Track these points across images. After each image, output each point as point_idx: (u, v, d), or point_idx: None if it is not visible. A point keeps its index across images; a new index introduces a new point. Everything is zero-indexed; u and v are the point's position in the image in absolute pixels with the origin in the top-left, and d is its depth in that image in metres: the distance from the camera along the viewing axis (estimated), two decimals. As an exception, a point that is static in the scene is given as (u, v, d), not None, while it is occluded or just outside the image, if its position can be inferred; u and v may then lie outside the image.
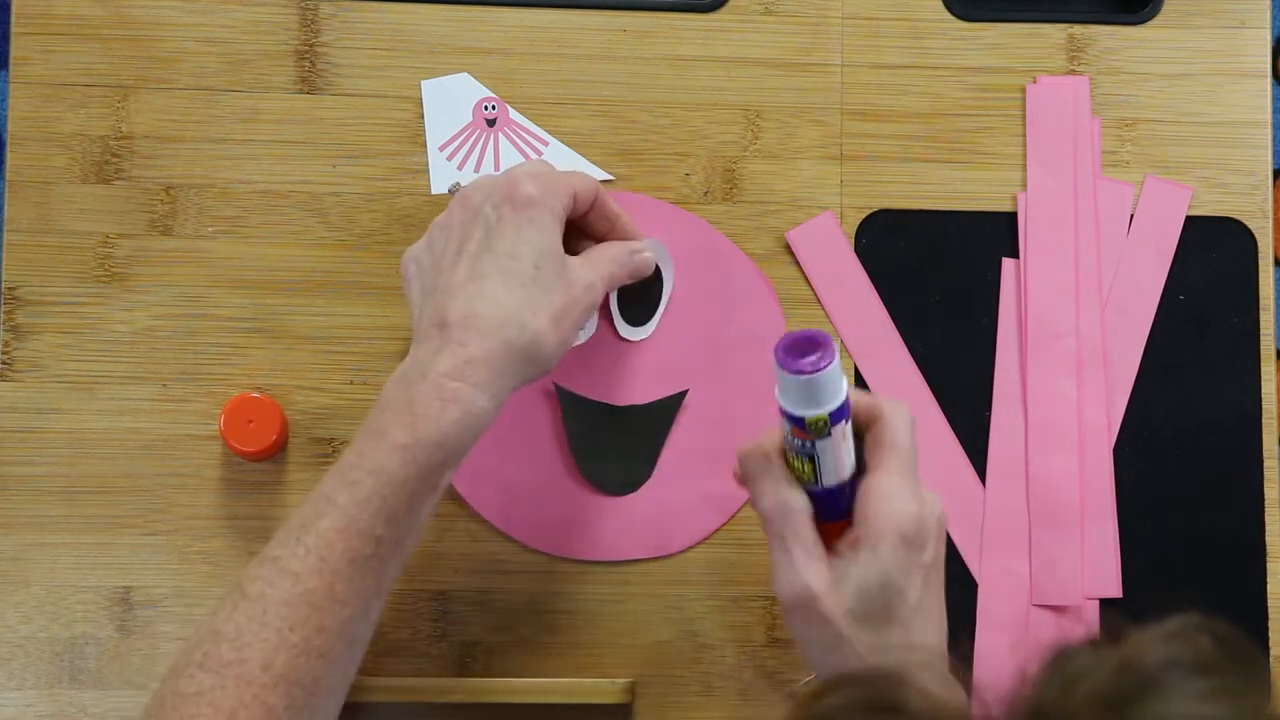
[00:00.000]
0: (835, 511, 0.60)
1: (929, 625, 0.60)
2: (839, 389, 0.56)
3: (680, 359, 0.71)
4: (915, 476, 0.59)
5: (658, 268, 0.71)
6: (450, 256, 0.61)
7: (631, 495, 0.71)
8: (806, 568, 0.58)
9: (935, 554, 0.60)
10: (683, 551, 0.71)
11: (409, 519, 0.58)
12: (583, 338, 0.70)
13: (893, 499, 0.58)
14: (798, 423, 0.56)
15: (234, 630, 0.56)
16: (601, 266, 0.64)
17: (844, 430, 0.58)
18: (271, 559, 0.57)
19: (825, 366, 0.55)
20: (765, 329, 0.72)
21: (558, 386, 0.70)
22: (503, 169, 0.72)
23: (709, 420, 0.71)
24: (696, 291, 0.72)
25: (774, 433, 0.59)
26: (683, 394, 0.71)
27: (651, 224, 0.72)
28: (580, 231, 0.66)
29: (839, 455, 0.58)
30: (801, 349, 0.56)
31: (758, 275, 0.72)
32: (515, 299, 0.59)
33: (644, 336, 0.71)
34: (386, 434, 0.58)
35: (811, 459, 0.58)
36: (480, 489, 0.70)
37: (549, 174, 0.63)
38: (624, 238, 0.67)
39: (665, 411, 0.71)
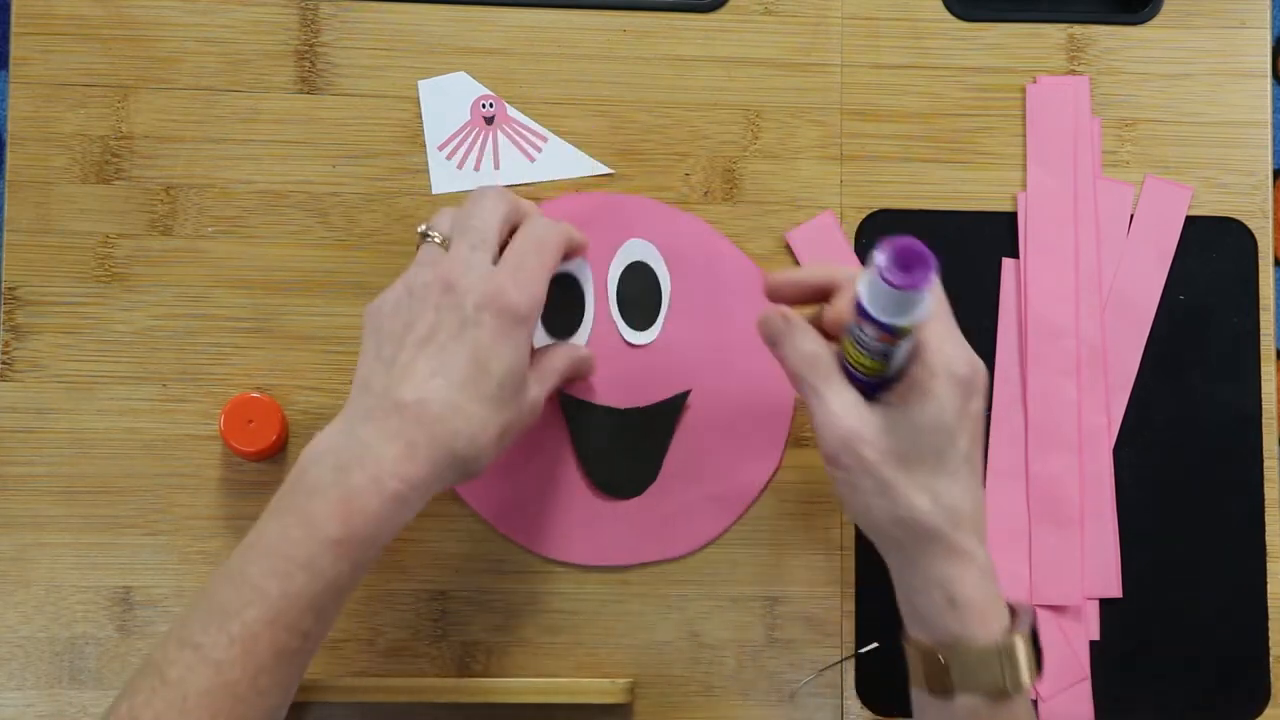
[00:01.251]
0: (883, 391, 0.60)
1: (974, 481, 0.60)
2: (930, 296, 0.56)
3: (683, 361, 0.71)
4: (954, 325, 0.60)
5: (653, 271, 0.71)
6: (417, 336, 0.59)
7: (637, 498, 0.71)
8: (846, 410, 0.59)
9: (981, 409, 0.60)
10: (689, 554, 0.71)
11: (336, 611, 0.57)
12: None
13: (944, 344, 0.59)
14: (886, 329, 0.56)
15: (152, 717, 0.53)
16: (547, 379, 0.64)
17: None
18: (193, 645, 0.54)
19: (930, 283, 0.54)
20: None
21: (562, 393, 0.70)
22: (501, 167, 0.72)
23: (713, 422, 0.71)
24: (697, 293, 0.72)
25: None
26: (685, 394, 0.71)
27: (652, 225, 0.72)
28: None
29: (908, 350, 0.58)
30: (905, 261, 0.54)
31: (755, 271, 0.72)
32: (472, 413, 0.58)
33: (649, 340, 0.71)
34: (320, 526, 0.56)
35: (886, 355, 0.58)
36: (485, 496, 0.70)
37: (534, 280, 0.61)
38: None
39: (668, 413, 0.71)
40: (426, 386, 0.58)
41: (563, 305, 0.70)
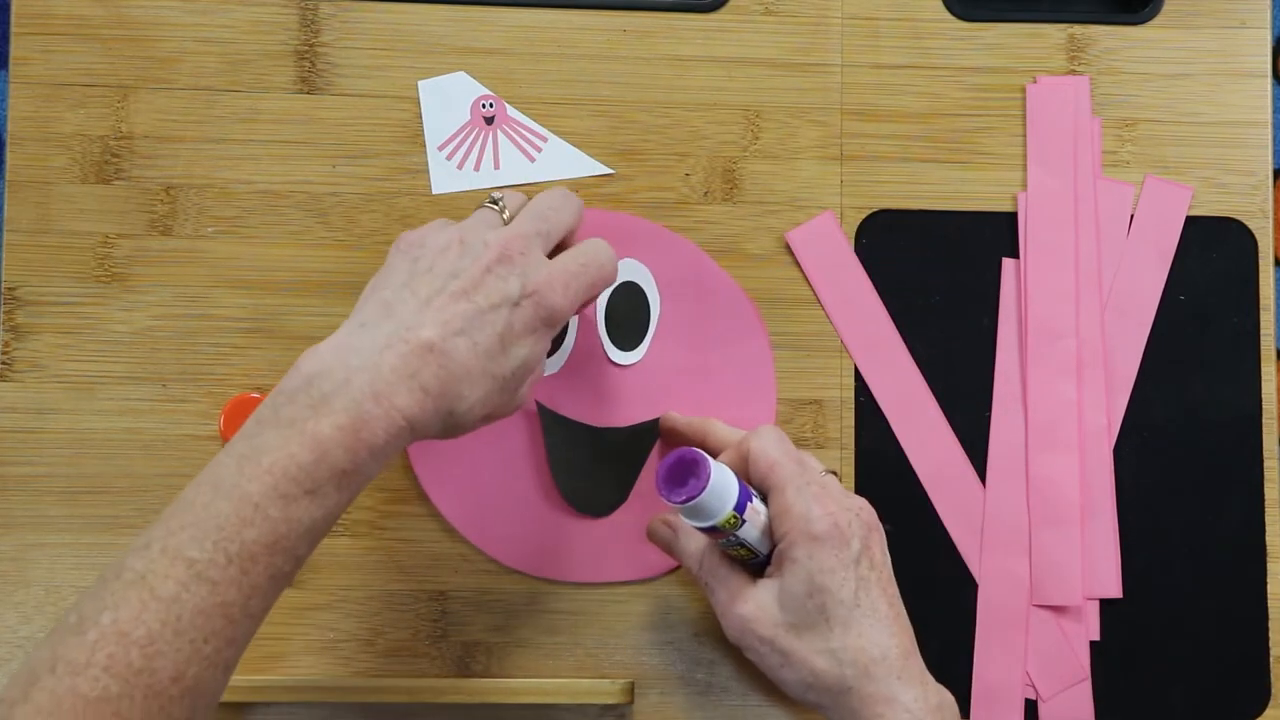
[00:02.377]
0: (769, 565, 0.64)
1: (878, 625, 0.61)
2: (728, 486, 0.60)
3: (664, 383, 0.71)
4: (806, 483, 0.62)
5: (643, 292, 0.71)
6: (459, 286, 0.58)
7: (606, 518, 0.71)
8: (734, 597, 0.63)
9: (865, 551, 0.61)
10: (667, 573, 0.71)
11: (323, 537, 0.56)
12: (554, 365, 0.70)
13: (791, 509, 0.61)
14: (711, 530, 0.61)
15: (145, 635, 0.51)
16: (535, 382, 0.63)
17: (754, 506, 0.62)
18: (186, 560, 0.52)
19: (703, 489, 0.59)
20: (751, 353, 0.72)
21: (539, 405, 0.70)
22: (501, 167, 0.72)
23: (691, 446, 0.71)
24: (682, 316, 0.72)
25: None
26: (654, 422, 0.71)
27: (639, 247, 0.72)
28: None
29: (761, 525, 0.62)
30: (677, 475, 0.60)
31: (744, 300, 0.72)
32: (480, 384, 0.58)
33: (633, 361, 0.71)
34: (329, 453, 0.54)
35: (742, 544, 0.62)
36: (458, 507, 0.70)
37: (582, 286, 0.61)
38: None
39: (646, 435, 0.71)
40: (454, 340, 0.57)
41: None
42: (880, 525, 0.63)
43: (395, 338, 0.57)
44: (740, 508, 0.60)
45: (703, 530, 0.61)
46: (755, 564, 0.63)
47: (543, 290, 0.59)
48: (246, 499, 0.53)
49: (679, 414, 0.70)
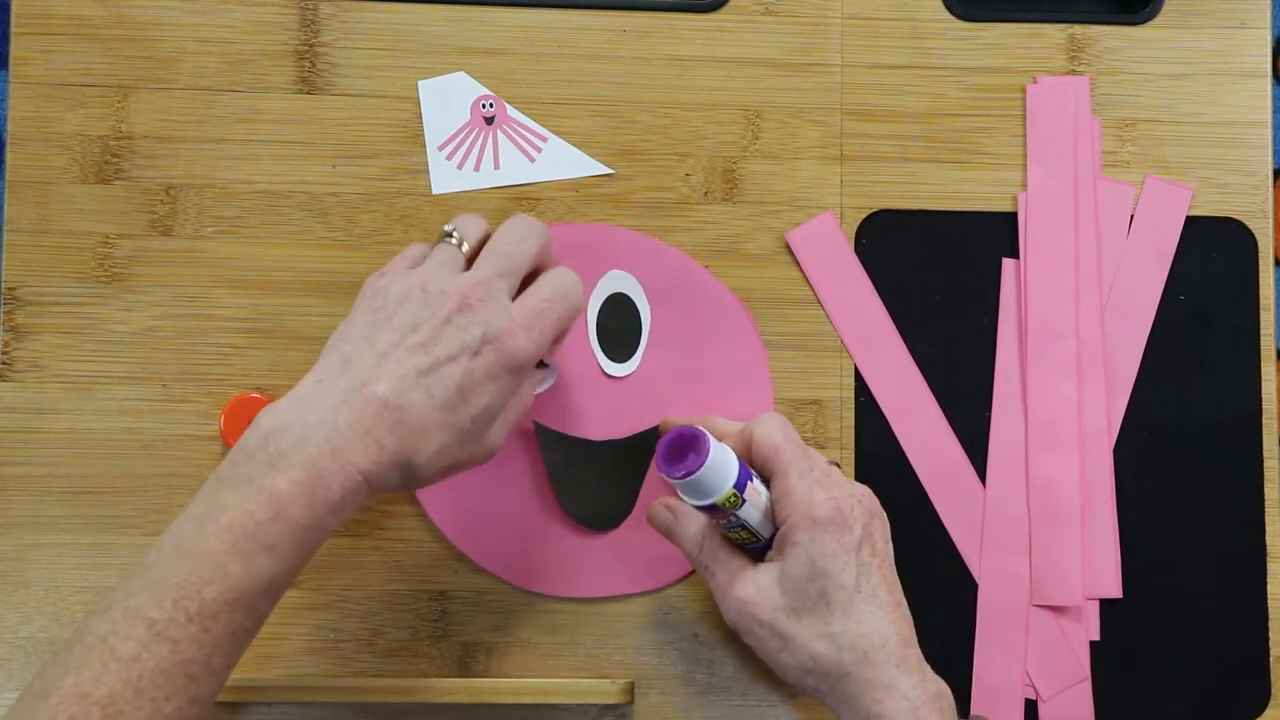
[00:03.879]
0: (769, 550, 0.64)
1: (878, 611, 0.61)
2: (728, 464, 0.60)
3: (661, 392, 0.71)
4: (809, 468, 0.62)
5: (633, 303, 0.71)
6: (418, 339, 0.58)
7: (614, 531, 0.71)
8: (733, 580, 0.62)
9: (867, 537, 0.61)
10: (666, 587, 0.71)
11: (284, 592, 0.56)
12: (543, 386, 0.68)
13: (794, 492, 0.61)
14: (711, 509, 0.60)
15: (107, 695, 0.51)
16: (510, 423, 0.61)
17: (755, 487, 0.61)
18: (146, 620, 0.52)
19: (703, 463, 0.58)
20: (745, 358, 0.72)
21: (536, 423, 0.70)
22: (501, 167, 0.72)
23: None
24: (677, 326, 0.72)
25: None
26: (655, 429, 0.71)
27: (626, 257, 0.72)
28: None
29: (763, 506, 0.62)
30: (676, 452, 0.59)
31: (737, 305, 0.72)
32: (437, 436, 0.57)
33: (627, 372, 0.71)
34: (286, 508, 0.54)
35: (743, 525, 0.62)
36: (464, 529, 0.70)
37: (544, 331, 0.60)
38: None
39: (645, 445, 0.71)
40: (409, 394, 0.57)
41: None
42: (883, 513, 0.63)
43: (351, 393, 0.57)
44: (740, 486, 0.60)
45: (702, 509, 0.61)
46: (756, 548, 0.63)
47: (504, 337, 0.58)
48: (206, 557, 0.53)
49: (678, 416, 0.70)
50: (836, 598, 0.60)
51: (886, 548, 0.63)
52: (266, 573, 0.54)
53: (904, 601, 0.62)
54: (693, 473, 0.59)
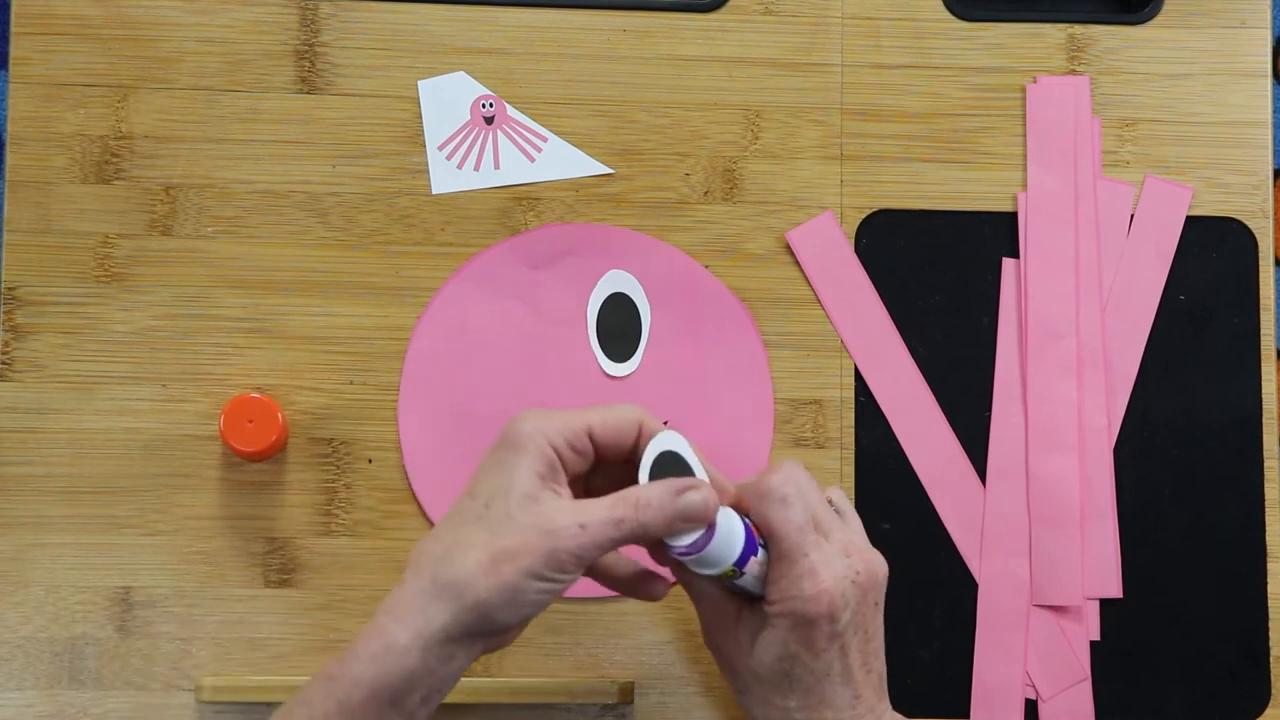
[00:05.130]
0: None
1: (843, 686, 0.59)
2: (733, 539, 0.57)
3: (662, 391, 0.71)
4: (805, 552, 0.58)
5: (633, 303, 0.71)
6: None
7: None
8: (712, 626, 0.62)
9: (855, 617, 0.59)
10: (671, 585, 0.71)
11: None
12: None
13: (782, 582, 0.58)
14: (711, 578, 0.59)
15: None
16: (604, 509, 0.54)
17: (758, 558, 0.59)
18: None
19: (708, 542, 0.56)
20: (744, 357, 0.72)
21: None
22: (502, 167, 0.72)
23: None
24: (677, 325, 0.72)
25: None
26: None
27: (626, 257, 0.72)
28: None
29: (762, 575, 0.59)
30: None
31: (736, 303, 0.72)
32: (453, 536, 0.54)
33: (628, 372, 0.71)
34: (327, 665, 0.54)
35: (740, 586, 0.60)
36: None
37: (553, 412, 0.56)
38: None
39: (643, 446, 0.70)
40: (423, 542, 0.55)
41: None
42: (881, 577, 0.61)
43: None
44: (743, 562, 0.58)
45: (702, 574, 0.59)
46: (755, 597, 0.62)
47: (506, 428, 0.56)
48: None
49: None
50: (802, 681, 0.59)
51: (875, 613, 0.61)
52: None
53: (877, 649, 0.61)
54: (698, 549, 0.56)
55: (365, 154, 0.72)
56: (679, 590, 0.71)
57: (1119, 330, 0.73)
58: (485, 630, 0.54)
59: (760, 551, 0.59)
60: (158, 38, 0.72)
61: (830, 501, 0.63)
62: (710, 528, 0.56)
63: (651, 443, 0.57)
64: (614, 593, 0.62)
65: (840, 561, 0.59)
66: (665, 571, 0.62)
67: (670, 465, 0.57)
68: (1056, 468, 0.71)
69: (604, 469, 0.58)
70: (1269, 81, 0.75)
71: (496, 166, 0.73)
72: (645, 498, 0.55)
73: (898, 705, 0.68)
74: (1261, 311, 0.73)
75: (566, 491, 0.56)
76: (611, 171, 0.73)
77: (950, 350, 0.73)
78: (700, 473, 0.57)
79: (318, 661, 0.69)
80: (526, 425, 0.55)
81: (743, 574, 0.59)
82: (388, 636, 0.53)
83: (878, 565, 0.61)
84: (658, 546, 0.58)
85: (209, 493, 0.70)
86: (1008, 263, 0.73)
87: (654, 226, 0.73)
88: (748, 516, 0.60)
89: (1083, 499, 0.71)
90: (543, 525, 0.53)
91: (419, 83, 0.73)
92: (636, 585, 0.61)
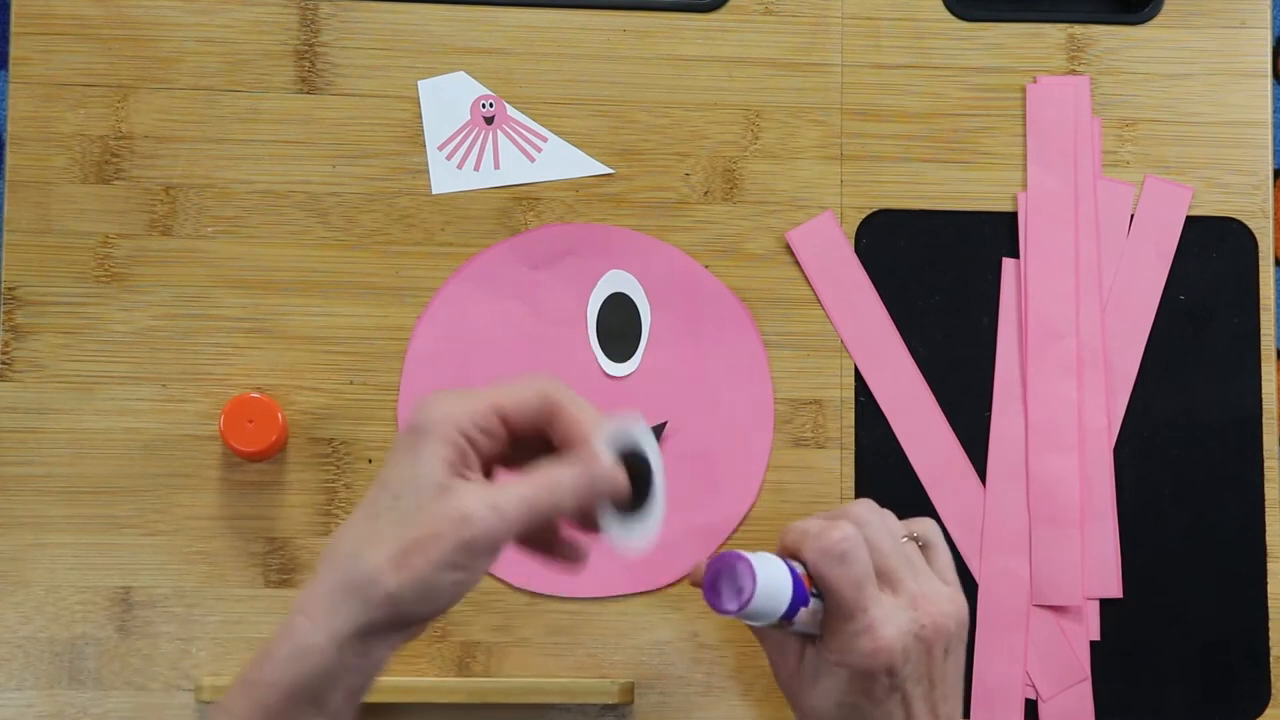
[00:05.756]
0: None
1: None
2: (778, 590, 0.56)
3: (662, 391, 0.71)
4: (865, 607, 0.58)
5: (633, 303, 0.71)
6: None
7: None
8: (778, 662, 0.62)
9: (916, 670, 0.59)
10: (666, 587, 0.71)
11: None
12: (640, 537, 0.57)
13: (838, 637, 0.58)
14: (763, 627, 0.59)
15: None
16: (514, 492, 0.53)
17: (810, 608, 0.58)
18: None
19: (750, 598, 0.55)
20: (744, 357, 0.72)
21: None
22: (502, 167, 0.72)
23: (693, 452, 0.71)
24: (676, 323, 0.72)
25: None
26: (661, 426, 0.71)
27: (626, 257, 0.72)
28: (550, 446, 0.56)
29: (817, 621, 0.59)
30: (722, 583, 0.56)
31: (736, 303, 0.72)
32: (360, 530, 0.52)
33: (628, 372, 0.71)
34: (245, 669, 0.53)
35: (802, 630, 0.60)
36: None
37: (460, 395, 0.54)
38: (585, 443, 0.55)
39: None
40: (334, 537, 0.54)
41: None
42: (955, 625, 0.60)
43: None
44: (791, 614, 0.57)
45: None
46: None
47: (408, 420, 0.54)
48: None
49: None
50: None
51: (943, 668, 0.60)
52: None
53: (948, 694, 0.60)
54: (731, 610, 0.56)
55: (365, 154, 0.72)
56: (679, 590, 0.71)
57: (1119, 330, 0.73)
58: (399, 624, 0.53)
59: (813, 601, 0.58)
60: (158, 38, 0.72)
61: (914, 536, 0.62)
62: (747, 589, 0.55)
63: (615, 426, 0.55)
64: (612, 594, 0.62)
65: (904, 615, 0.58)
66: (584, 538, 0.59)
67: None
68: (1056, 468, 0.71)
69: (522, 445, 0.56)
70: (1269, 81, 0.75)
71: (496, 166, 0.73)
72: (556, 477, 0.53)
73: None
74: (1261, 311, 0.73)
75: (478, 476, 0.54)
76: (611, 171, 0.73)
77: (950, 350, 0.73)
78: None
79: (318, 661, 0.69)
80: (434, 412, 0.53)
81: (793, 624, 0.58)
82: (300, 636, 0.52)
83: (948, 616, 0.60)
84: (587, 523, 0.56)
85: (209, 493, 0.70)
86: (1008, 263, 0.73)
87: (654, 226, 0.73)
88: (804, 563, 0.59)
89: (1083, 499, 0.71)
90: (452, 514, 0.52)
91: (419, 83, 0.73)
92: (554, 552, 0.59)
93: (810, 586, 0.58)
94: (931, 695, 0.60)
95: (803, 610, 0.58)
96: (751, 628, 0.62)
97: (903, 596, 0.59)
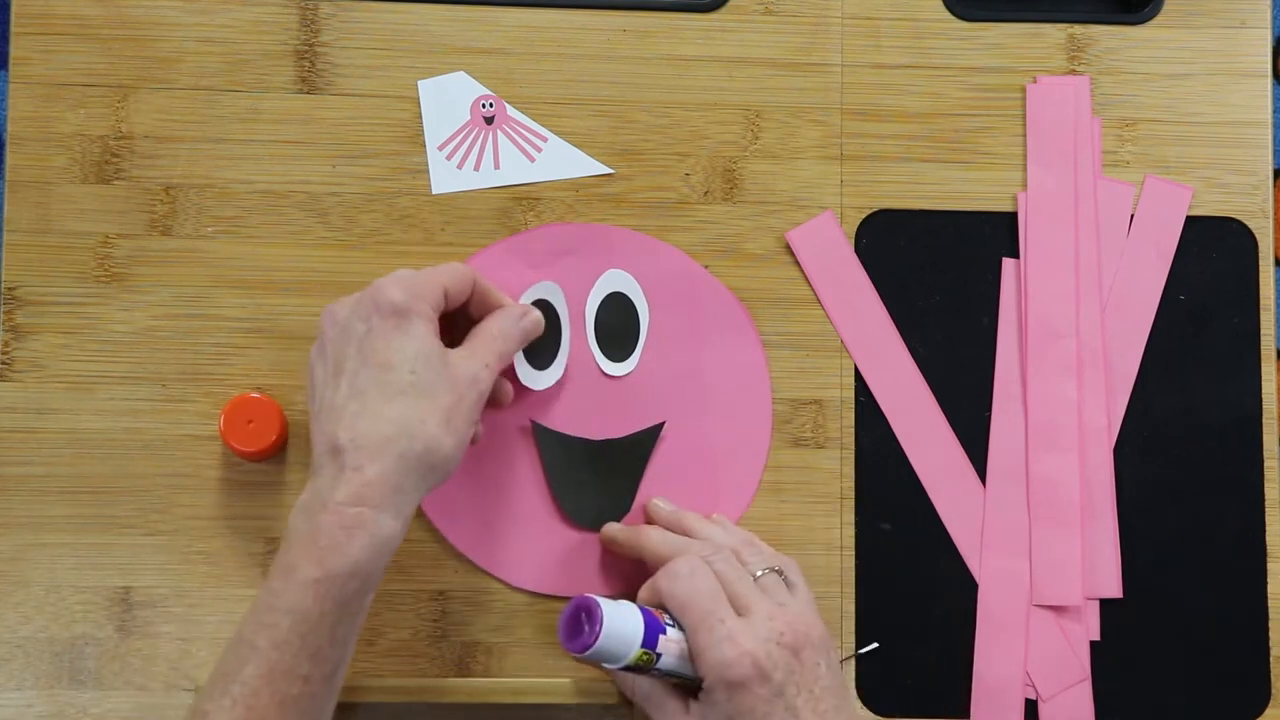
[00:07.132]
0: None
1: None
2: (627, 629, 0.60)
3: (660, 391, 0.71)
4: (721, 619, 0.60)
5: (632, 303, 0.71)
6: (330, 377, 0.61)
7: None
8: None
9: (791, 676, 0.60)
10: None
11: (334, 649, 0.58)
12: (548, 380, 0.70)
13: (705, 653, 0.60)
14: (628, 669, 0.61)
15: None
16: (486, 349, 0.63)
17: (670, 638, 0.61)
18: (202, 713, 0.56)
19: (596, 637, 0.59)
20: (743, 357, 0.72)
21: (534, 423, 0.70)
22: (502, 167, 0.72)
23: (689, 451, 0.71)
24: (675, 325, 0.72)
25: None
26: (659, 426, 0.71)
27: (625, 257, 0.72)
28: (468, 320, 0.66)
29: (684, 653, 0.61)
30: (574, 625, 0.61)
31: (734, 303, 0.72)
32: (397, 410, 0.59)
33: (625, 372, 0.71)
34: (296, 570, 0.57)
35: (670, 672, 0.62)
36: (462, 529, 0.70)
37: (413, 277, 0.62)
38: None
39: (643, 444, 0.71)
40: (354, 426, 0.59)
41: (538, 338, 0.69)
42: (816, 635, 0.62)
43: (321, 459, 0.60)
44: (650, 643, 0.60)
45: (621, 669, 0.61)
46: (693, 684, 0.63)
47: (370, 300, 0.61)
48: (241, 640, 0.57)
49: (617, 524, 0.69)
50: None
51: (818, 673, 0.61)
52: (293, 636, 0.57)
53: (840, 707, 0.61)
54: (589, 646, 0.60)
55: (365, 154, 0.72)
56: (679, 590, 0.71)
57: (1119, 330, 0.73)
58: (440, 481, 0.60)
59: (672, 630, 0.61)
60: (158, 38, 0.72)
61: (776, 569, 0.65)
62: (595, 624, 0.59)
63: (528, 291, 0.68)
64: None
65: (764, 625, 0.61)
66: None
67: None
68: (1056, 468, 0.71)
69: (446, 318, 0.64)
70: (1269, 81, 0.75)
71: (496, 166, 0.73)
72: (502, 327, 0.64)
73: (898, 705, 0.69)
74: (1261, 311, 0.73)
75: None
76: (611, 171, 0.73)
77: (950, 350, 0.73)
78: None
79: (318, 661, 0.69)
80: (404, 293, 0.60)
81: (659, 655, 0.60)
82: (374, 527, 0.57)
83: (809, 625, 0.62)
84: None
85: (209, 493, 0.70)
86: (1008, 263, 0.73)
87: (654, 226, 0.73)
88: (662, 606, 0.62)
89: (1083, 499, 0.71)
90: (465, 376, 0.61)
91: (419, 83, 0.73)
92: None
93: (664, 618, 0.62)
94: (819, 706, 0.60)
95: (665, 642, 0.60)
96: (636, 698, 0.65)
97: (758, 614, 0.61)
